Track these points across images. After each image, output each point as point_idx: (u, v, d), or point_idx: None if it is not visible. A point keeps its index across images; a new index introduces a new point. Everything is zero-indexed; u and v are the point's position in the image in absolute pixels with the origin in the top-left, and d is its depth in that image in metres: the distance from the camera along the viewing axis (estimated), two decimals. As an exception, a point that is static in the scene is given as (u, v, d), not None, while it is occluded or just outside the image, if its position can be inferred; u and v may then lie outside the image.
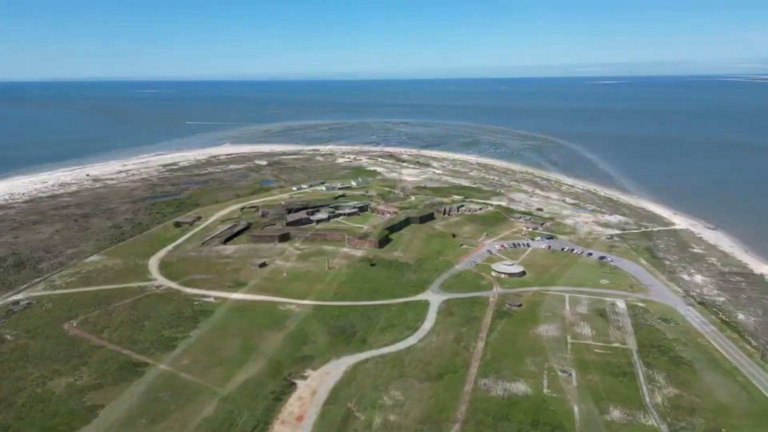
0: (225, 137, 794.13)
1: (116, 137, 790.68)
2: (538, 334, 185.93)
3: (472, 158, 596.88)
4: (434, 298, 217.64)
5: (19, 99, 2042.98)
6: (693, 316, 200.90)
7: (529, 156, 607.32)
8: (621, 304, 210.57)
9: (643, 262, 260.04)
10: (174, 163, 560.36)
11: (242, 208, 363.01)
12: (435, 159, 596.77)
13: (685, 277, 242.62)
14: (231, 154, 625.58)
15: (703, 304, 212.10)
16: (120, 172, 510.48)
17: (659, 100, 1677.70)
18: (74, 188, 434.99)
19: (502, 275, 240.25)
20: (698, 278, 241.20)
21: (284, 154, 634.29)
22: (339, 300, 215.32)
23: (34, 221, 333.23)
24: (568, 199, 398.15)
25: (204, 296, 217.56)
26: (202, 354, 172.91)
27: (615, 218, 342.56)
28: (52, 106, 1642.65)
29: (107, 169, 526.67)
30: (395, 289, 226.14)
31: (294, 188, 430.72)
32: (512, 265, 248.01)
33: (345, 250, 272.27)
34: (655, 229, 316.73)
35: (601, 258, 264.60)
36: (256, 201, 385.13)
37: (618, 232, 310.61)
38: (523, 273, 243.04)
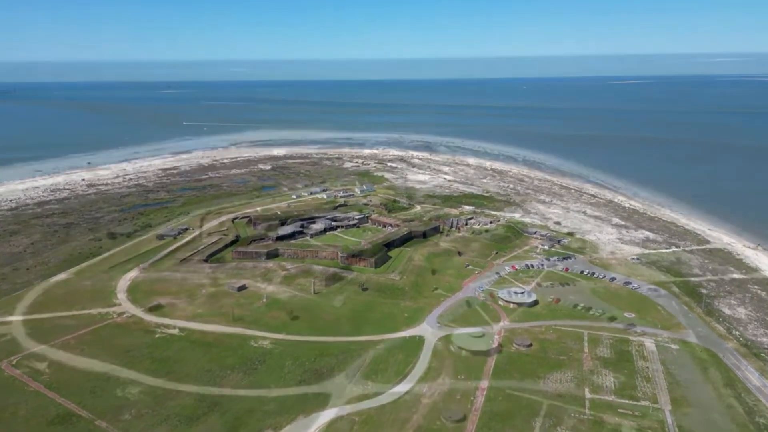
0: (241, 139, 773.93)
1: (123, 139, 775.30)
2: (549, 386, 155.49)
3: (487, 163, 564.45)
4: (430, 333, 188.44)
5: (43, 99, 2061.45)
6: (737, 364, 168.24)
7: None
8: (650, 346, 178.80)
9: (675, 289, 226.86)
10: (174, 167, 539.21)
11: (234, 219, 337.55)
12: (447, 163, 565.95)
13: (726, 310, 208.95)
14: (235, 158, 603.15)
15: (748, 347, 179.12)
16: (117, 176, 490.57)
17: (685, 100, 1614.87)
18: (65, 194, 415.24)
19: (511, 305, 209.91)
20: (741, 312, 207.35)
21: (290, 157, 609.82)
22: (320, 334, 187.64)
23: (12, 231, 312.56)
24: (589, 211, 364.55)
25: (168, 327, 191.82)
26: (148, 405, 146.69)
27: (642, 234, 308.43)
28: (62, 106, 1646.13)
29: (104, 173, 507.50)
30: (387, 322, 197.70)
31: (293, 196, 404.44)
32: (523, 292, 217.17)
33: (336, 270, 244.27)
34: (687, 249, 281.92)
35: (626, 284, 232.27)
36: (251, 210, 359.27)
37: (645, 251, 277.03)
38: (536, 302, 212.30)
